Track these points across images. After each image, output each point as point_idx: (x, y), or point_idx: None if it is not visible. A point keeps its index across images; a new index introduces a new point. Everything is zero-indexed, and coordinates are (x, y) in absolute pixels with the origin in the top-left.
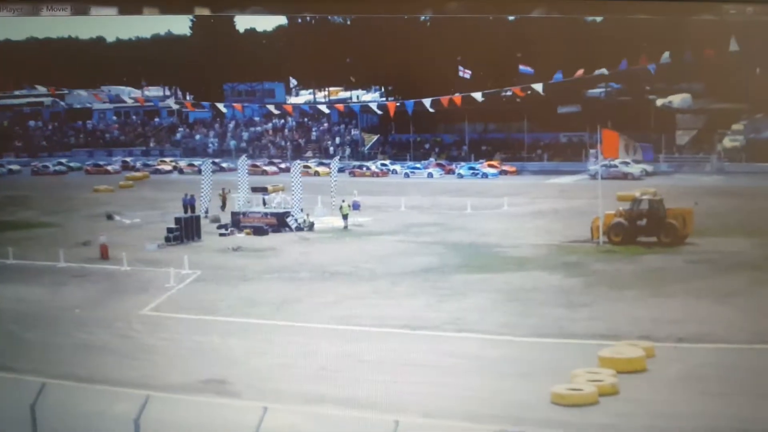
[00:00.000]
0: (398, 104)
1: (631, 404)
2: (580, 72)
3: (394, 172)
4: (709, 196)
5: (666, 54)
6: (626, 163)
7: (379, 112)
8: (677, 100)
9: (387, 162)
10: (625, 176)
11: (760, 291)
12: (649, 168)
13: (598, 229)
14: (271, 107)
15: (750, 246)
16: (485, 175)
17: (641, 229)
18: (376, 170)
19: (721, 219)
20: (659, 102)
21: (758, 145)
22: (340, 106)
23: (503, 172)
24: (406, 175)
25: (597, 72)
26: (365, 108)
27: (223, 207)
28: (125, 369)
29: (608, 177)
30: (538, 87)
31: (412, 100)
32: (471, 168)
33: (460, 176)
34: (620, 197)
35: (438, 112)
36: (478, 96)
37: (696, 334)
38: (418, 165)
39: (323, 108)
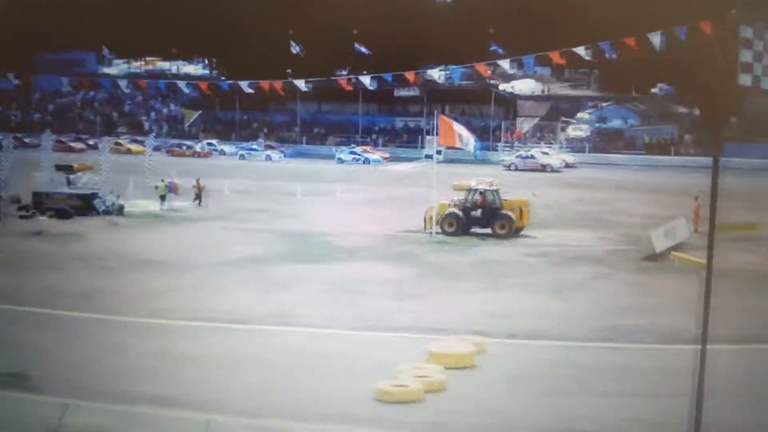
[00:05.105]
0: (212, 83)
1: (458, 402)
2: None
3: (222, 152)
4: (551, 187)
5: None
6: (545, 154)
7: (186, 90)
8: (521, 85)
9: (214, 141)
10: (544, 168)
11: (600, 286)
12: (569, 160)
13: (431, 219)
14: (65, 81)
15: (592, 239)
16: (367, 161)
17: (476, 220)
18: (199, 150)
19: (563, 211)
20: (501, 86)
21: (604, 135)
22: (143, 83)
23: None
24: (242, 157)
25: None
26: (171, 86)
27: (199, 201)
28: None
29: (525, 169)
30: (367, 80)
31: (227, 82)
32: (353, 153)
33: (341, 161)
34: (455, 187)
35: (267, 90)
36: (301, 84)
37: (529, 329)
38: (254, 146)
39: (122, 84)
